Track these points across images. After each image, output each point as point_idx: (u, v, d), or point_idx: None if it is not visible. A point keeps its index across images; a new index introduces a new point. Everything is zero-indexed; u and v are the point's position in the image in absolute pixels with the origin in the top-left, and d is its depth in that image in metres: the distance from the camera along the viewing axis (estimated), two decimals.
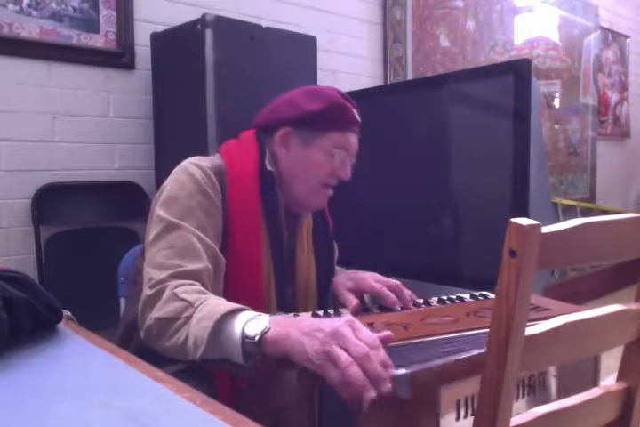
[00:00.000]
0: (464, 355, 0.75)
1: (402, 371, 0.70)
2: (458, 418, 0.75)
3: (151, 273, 0.98)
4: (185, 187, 1.04)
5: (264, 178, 1.11)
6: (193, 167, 1.07)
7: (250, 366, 0.81)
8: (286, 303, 1.12)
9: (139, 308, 0.97)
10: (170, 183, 1.07)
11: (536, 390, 0.84)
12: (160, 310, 0.92)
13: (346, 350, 0.70)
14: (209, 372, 1.02)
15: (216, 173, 1.07)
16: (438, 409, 0.73)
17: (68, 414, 0.59)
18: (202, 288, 0.96)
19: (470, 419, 0.75)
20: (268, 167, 1.12)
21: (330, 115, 1.10)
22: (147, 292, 0.96)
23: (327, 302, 1.19)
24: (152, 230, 1.03)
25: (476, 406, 0.75)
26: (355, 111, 1.14)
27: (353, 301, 1.04)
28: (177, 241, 0.99)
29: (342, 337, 0.71)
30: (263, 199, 1.10)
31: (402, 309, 1.02)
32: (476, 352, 0.76)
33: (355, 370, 0.68)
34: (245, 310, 0.86)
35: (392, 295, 1.03)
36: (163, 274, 0.96)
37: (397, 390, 0.70)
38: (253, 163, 1.11)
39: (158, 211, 1.03)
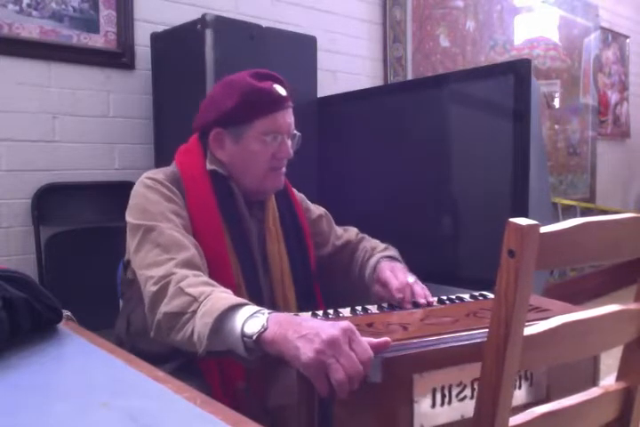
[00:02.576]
0: (439, 346, 0.77)
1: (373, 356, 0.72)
2: (434, 405, 0.76)
3: (148, 273, 1.00)
4: (149, 198, 1.08)
5: (214, 176, 1.14)
6: (149, 181, 1.11)
7: (253, 359, 0.82)
8: (262, 292, 1.13)
9: (146, 306, 0.99)
10: (134, 199, 1.10)
11: (522, 385, 0.84)
12: (168, 305, 0.94)
13: (339, 362, 0.71)
14: (202, 371, 1.03)
15: (172, 181, 1.12)
16: (413, 396, 0.74)
17: (68, 414, 0.60)
18: (206, 279, 0.98)
19: (447, 407, 0.77)
20: (209, 167, 1.14)
21: (247, 105, 1.09)
22: (151, 289, 0.97)
23: (304, 287, 1.20)
24: (133, 240, 1.06)
25: (453, 395, 0.77)
26: (275, 88, 1.11)
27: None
28: (160, 239, 1.02)
29: (337, 348, 0.72)
30: (218, 196, 1.12)
31: (390, 304, 1.05)
32: (452, 344, 0.77)
33: (345, 388, 0.70)
34: (247, 304, 0.87)
35: (395, 283, 1.09)
36: (161, 270, 0.98)
37: (369, 374, 0.72)
38: (199, 165, 1.15)
39: (132, 221, 1.07)
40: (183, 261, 0.99)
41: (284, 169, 1.17)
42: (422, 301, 1.04)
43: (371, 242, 1.32)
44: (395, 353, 0.74)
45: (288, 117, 1.14)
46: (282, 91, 1.12)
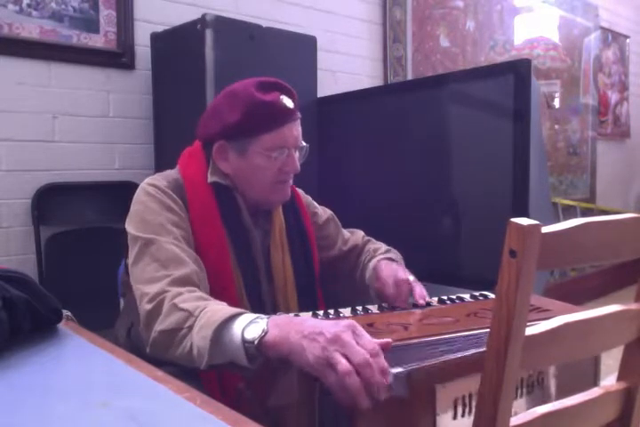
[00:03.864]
0: (460, 354, 0.75)
1: (398, 369, 0.70)
2: (455, 417, 0.75)
3: (144, 289, 0.98)
4: (149, 207, 1.06)
5: (217, 187, 1.11)
6: (151, 188, 1.08)
7: (254, 368, 0.82)
8: (265, 303, 1.12)
9: (141, 323, 0.98)
10: (134, 206, 1.08)
11: (534, 390, 0.84)
12: (163, 323, 0.93)
13: (346, 357, 0.70)
14: (198, 373, 1.03)
15: (174, 188, 1.09)
16: (435, 408, 0.73)
17: (68, 415, 0.59)
18: (201, 294, 0.96)
19: (467, 418, 0.76)
20: (210, 179, 1.11)
21: (252, 119, 1.05)
22: (146, 307, 0.96)
23: (308, 297, 1.19)
24: (132, 250, 1.04)
25: (473, 405, 0.76)
26: (281, 100, 1.06)
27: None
28: (158, 254, 1.00)
29: (343, 343, 0.71)
30: (221, 207, 1.10)
31: (396, 307, 1.04)
32: (472, 351, 0.76)
33: (354, 379, 0.68)
34: (244, 313, 0.86)
35: (391, 290, 1.08)
36: (156, 287, 0.97)
37: (394, 388, 0.70)
38: (202, 175, 1.12)
39: (132, 232, 1.05)
40: (179, 278, 0.97)
41: (290, 182, 1.15)
42: (421, 302, 1.03)
43: (375, 244, 1.32)
44: (418, 365, 0.72)
45: (295, 130, 1.10)
46: (289, 102, 1.07)
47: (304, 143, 1.14)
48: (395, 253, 1.28)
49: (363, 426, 0.71)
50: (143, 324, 0.97)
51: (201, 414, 0.59)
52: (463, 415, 0.76)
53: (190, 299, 0.93)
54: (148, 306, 0.95)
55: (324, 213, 1.34)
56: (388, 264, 1.19)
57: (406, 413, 0.72)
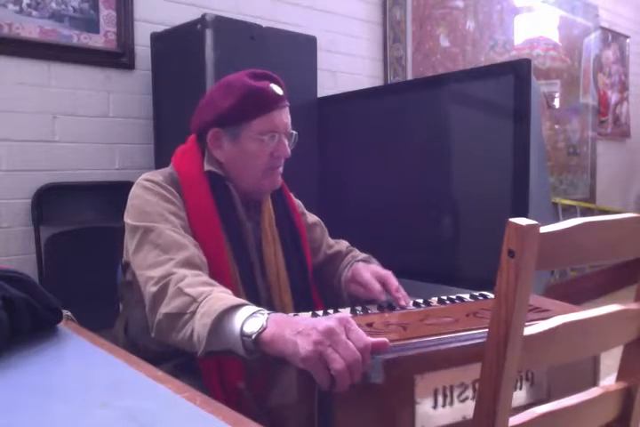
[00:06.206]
0: (441, 347, 0.76)
1: (375, 357, 0.72)
2: (435, 406, 0.76)
3: (148, 273, 1.00)
4: (148, 199, 1.08)
5: (212, 177, 1.14)
6: (147, 183, 1.11)
7: (253, 359, 0.82)
8: (259, 295, 1.13)
9: (147, 307, 0.99)
10: (132, 200, 1.10)
11: (522, 385, 0.84)
12: (167, 306, 0.94)
13: (337, 352, 0.71)
14: (201, 371, 1.03)
15: (170, 182, 1.12)
16: (414, 397, 0.74)
17: (68, 414, 0.59)
18: (206, 278, 0.98)
19: (448, 408, 0.77)
20: (206, 168, 1.14)
21: (245, 104, 1.10)
22: (151, 289, 0.97)
23: (301, 290, 1.20)
24: (132, 241, 1.06)
25: (455, 396, 0.77)
26: (272, 87, 1.12)
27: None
28: (159, 240, 1.02)
29: (334, 337, 0.72)
30: (216, 198, 1.12)
31: (389, 305, 1.05)
32: (454, 345, 0.77)
33: (345, 378, 0.70)
34: (246, 305, 0.87)
35: (377, 285, 1.09)
36: (161, 271, 0.98)
37: (371, 375, 0.71)
38: (197, 166, 1.15)
39: (131, 222, 1.07)
40: (182, 260, 0.99)
41: (281, 169, 1.17)
42: (398, 295, 1.05)
43: (356, 253, 1.32)
44: (396, 354, 0.73)
45: (285, 117, 1.14)
46: (278, 90, 1.12)
47: (293, 131, 1.17)
48: (374, 261, 1.29)
49: (343, 414, 0.72)
50: (149, 307, 0.98)
51: (201, 414, 0.59)
52: (444, 406, 0.77)
53: (195, 283, 0.94)
54: (154, 288, 0.97)
55: (311, 217, 1.36)
56: (363, 265, 1.20)
57: (386, 401, 0.74)
